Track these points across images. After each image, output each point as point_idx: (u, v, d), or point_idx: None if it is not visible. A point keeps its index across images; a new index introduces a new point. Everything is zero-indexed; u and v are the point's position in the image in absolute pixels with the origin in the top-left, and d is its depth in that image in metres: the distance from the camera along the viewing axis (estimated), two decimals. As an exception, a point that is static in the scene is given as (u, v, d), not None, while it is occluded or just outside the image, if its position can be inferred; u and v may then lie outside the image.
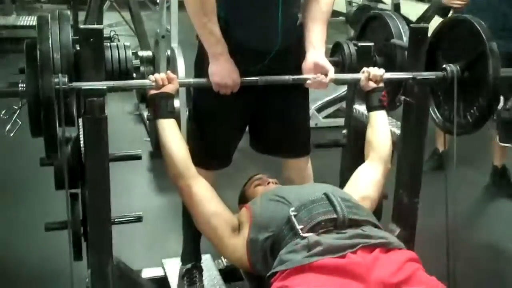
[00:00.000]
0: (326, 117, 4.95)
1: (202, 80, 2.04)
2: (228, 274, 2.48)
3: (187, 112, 3.90)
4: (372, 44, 2.43)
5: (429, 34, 2.15)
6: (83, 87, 1.70)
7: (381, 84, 2.11)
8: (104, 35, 1.78)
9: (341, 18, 6.59)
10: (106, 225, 1.77)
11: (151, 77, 1.93)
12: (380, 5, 5.94)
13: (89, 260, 1.84)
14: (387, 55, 2.46)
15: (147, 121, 4.39)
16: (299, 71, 2.09)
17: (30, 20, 6.94)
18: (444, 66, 2.09)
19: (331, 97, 4.96)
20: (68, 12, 1.90)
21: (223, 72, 1.98)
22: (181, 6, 2.09)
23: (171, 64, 4.40)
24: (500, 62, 1.95)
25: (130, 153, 2.04)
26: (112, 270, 1.80)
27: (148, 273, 2.56)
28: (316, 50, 2.08)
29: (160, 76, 1.92)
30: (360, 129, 2.49)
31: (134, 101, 5.22)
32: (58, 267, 2.55)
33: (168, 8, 4.38)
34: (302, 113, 2.31)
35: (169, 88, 1.92)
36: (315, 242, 1.61)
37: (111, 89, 1.76)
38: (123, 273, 1.95)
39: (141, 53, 2.62)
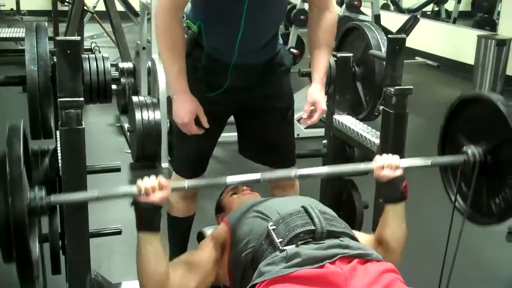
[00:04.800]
0: (308, 127, 4.95)
1: (197, 182, 2.01)
2: None
3: (168, 124, 3.90)
4: (351, 55, 2.46)
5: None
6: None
7: (399, 172, 1.85)
8: (85, 47, 1.76)
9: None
10: (84, 238, 1.75)
11: (139, 183, 1.70)
12: (361, 17, 5.99)
13: (67, 274, 1.82)
14: (365, 66, 2.48)
15: (128, 133, 4.36)
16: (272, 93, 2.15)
17: (10, 32, 6.88)
18: (464, 149, 1.91)
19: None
20: (46, 24, 1.89)
21: (179, 111, 2.00)
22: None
23: (152, 75, 4.40)
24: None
25: (109, 165, 2.03)
26: (90, 283, 1.79)
27: (127, 286, 2.52)
28: (317, 85, 2.10)
29: (150, 185, 1.69)
30: (339, 138, 2.51)
31: (115, 113, 5.19)
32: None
33: (149, 19, 4.38)
34: (288, 126, 2.31)
35: (157, 198, 1.69)
36: (294, 254, 1.61)
37: (98, 199, 1.68)
38: (102, 286, 1.93)
39: (122, 65, 2.63)
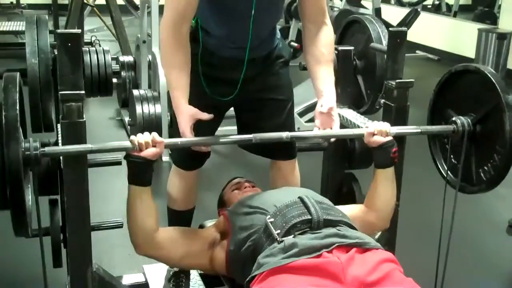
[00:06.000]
0: (308, 121, 4.95)
1: (189, 139, 1.93)
2: (209, 278, 2.46)
3: (168, 118, 3.89)
4: (352, 48, 2.45)
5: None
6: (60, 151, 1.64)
7: (389, 138, 1.94)
8: (85, 40, 1.76)
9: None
10: (85, 232, 1.75)
11: (133, 139, 1.75)
12: (362, 10, 5.98)
13: (68, 267, 1.82)
14: (366, 59, 2.48)
15: (128, 126, 4.35)
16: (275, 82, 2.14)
17: (10, 26, 6.88)
18: (453, 118, 1.97)
19: (313, 101, 4.95)
20: (46, 17, 1.89)
21: (180, 127, 1.94)
22: (162, 11, 2.09)
23: (152, 69, 4.39)
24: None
25: (110, 159, 2.02)
26: (92, 276, 1.79)
27: (129, 279, 2.53)
28: (330, 97, 1.99)
29: (143, 140, 1.74)
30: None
31: (115, 106, 5.19)
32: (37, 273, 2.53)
33: (149, 13, 4.37)
34: (288, 118, 2.31)
35: (150, 153, 1.74)
36: (291, 244, 1.62)
37: (92, 152, 1.69)
38: (103, 279, 1.93)
39: (122, 58, 2.62)
